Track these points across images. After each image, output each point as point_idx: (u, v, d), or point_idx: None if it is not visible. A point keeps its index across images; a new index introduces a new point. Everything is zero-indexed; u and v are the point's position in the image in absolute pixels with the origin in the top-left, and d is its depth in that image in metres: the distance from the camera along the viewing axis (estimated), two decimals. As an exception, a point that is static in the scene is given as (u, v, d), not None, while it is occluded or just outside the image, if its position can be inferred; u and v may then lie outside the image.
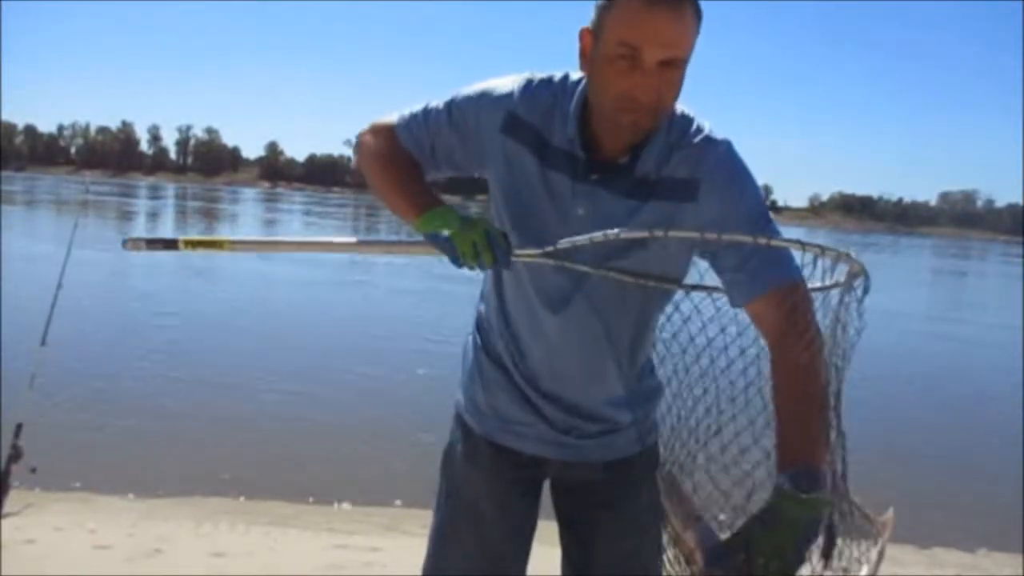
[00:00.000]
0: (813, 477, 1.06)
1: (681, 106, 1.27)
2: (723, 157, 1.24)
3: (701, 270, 1.33)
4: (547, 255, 1.21)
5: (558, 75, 1.32)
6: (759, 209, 1.24)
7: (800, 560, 1.03)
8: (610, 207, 1.25)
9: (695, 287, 1.30)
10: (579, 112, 1.25)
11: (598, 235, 1.11)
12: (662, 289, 1.33)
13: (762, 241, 1.06)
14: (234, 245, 1.44)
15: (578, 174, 1.26)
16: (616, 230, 1.09)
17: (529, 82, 1.31)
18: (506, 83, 1.33)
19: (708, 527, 1.08)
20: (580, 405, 1.41)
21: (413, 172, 1.37)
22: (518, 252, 1.24)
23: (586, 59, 1.22)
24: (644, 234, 1.09)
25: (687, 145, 1.24)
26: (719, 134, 1.26)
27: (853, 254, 1.09)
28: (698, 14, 1.15)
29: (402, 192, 1.34)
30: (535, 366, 1.40)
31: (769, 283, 1.21)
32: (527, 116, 1.30)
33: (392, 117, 1.42)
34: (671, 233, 1.08)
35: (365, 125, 1.46)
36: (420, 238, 1.28)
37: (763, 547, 1.02)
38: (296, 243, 1.49)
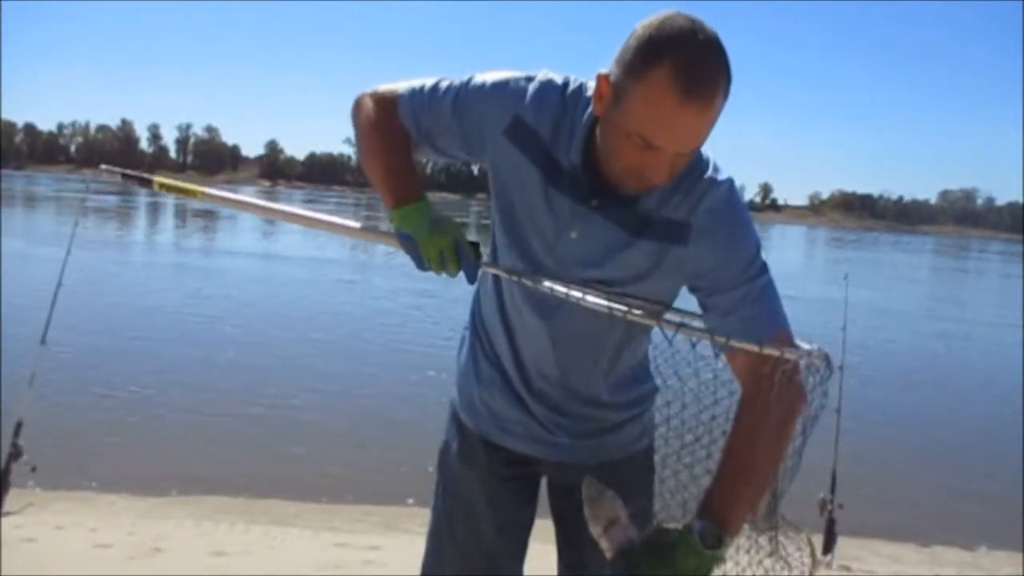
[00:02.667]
0: (720, 539, 1.03)
1: None
2: (720, 201, 1.19)
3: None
4: (517, 273, 1.19)
5: (574, 83, 1.25)
6: (750, 258, 1.19)
7: None
8: (603, 235, 1.22)
9: (669, 321, 1.17)
10: (585, 135, 1.20)
11: (560, 290, 1.09)
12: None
13: (719, 340, 1.02)
14: (207, 196, 1.41)
15: (579, 197, 1.22)
16: (579, 295, 1.08)
17: (543, 86, 1.25)
18: (520, 82, 1.26)
19: (624, 530, 1.06)
20: (567, 405, 1.40)
21: (402, 155, 1.31)
22: (486, 265, 1.22)
23: (600, 105, 1.13)
24: (603, 308, 1.07)
25: (691, 186, 1.19)
26: (722, 173, 1.21)
27: (816, 349, 1.04)
28: (728, 86, 1.06)
29: (386, 175, 1.29)
30: (528, 365, 1.40)
31: (758, 334, 1.12)
32: (535, 124, 1.24)
33: (398, 87, 1.34)
34: (631, 316, 1.05)
35: (368, 88, 1.38)
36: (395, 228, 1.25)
37: None
38: (265, 207, 1.43)
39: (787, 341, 1.12)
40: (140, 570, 3.21)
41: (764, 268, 1.20)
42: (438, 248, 1.19)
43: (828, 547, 3.62)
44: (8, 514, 3.44)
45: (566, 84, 1.26)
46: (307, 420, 5.80)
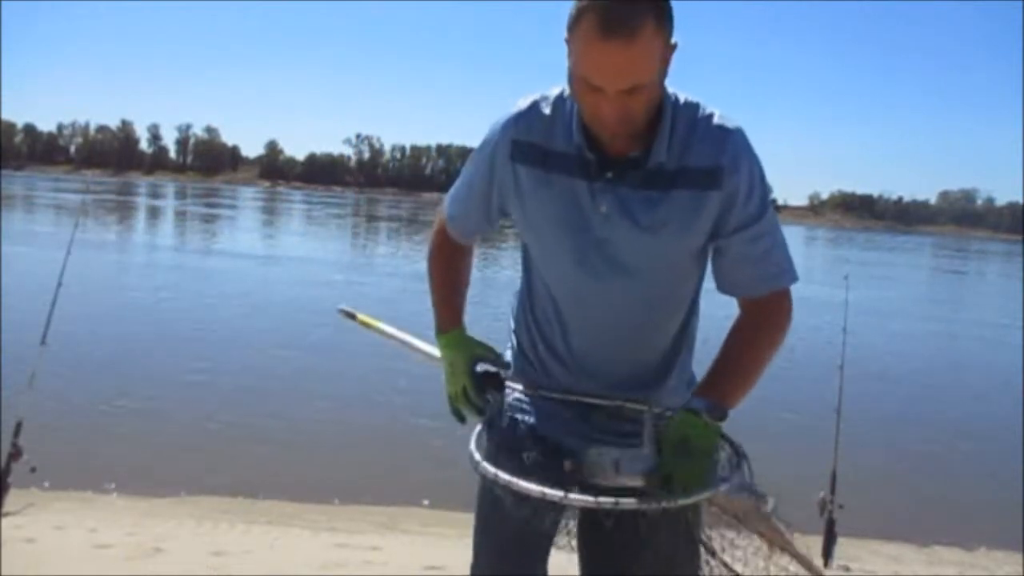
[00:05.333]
0: (724, 413, 1.22)
1: (683, 94, 1.31)
2: (743, 144, 1.30)
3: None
4: (531, 388, 1.42)
5: (555, 90, 1.36)
6: (765, 194, 1.32)
7: (711, 480, 1.16)
8: (631, 200, 1.29)
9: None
10: (580, 118, 1.29)
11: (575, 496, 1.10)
12: (678, 288, 1.39)
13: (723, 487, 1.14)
14: (383, 333, 1.85)
15: (592, 175, 1.30)
16: (631, 500, 1.08)
17: (525, 107, 1.37)
18: (505, 116, 1.38)
19: (638, 457, 1.18)
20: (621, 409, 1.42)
21: (447, 286, 1.54)
22: (498, 395, 1.43)
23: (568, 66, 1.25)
24: (640, 504, 1.08)
25: (705, 134, 1.28)
26: (731, 121, 1.31)
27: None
28: (660, 24, 1.16)
29: (435, 308, 1.54)
30: (582, 362, 1.42)
31: (784, 279, 1.35)
32: (528, 136, 1.34)
33: (445, 205, 1.54)
34: (673, 502, 1.08)
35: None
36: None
37: (683, 478, 1.14)
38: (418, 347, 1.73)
39: (786, 296, 1.36)
40: (140, 570, 3.21)
41: (773, 205, 1.34)
42: (453, 390, 1.47)
43: (828, 547, 3.61)
44: (8, 514, 3.44)
45: (547, 94, 1.37)
46: (307, 420, 5.80)
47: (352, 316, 1.97)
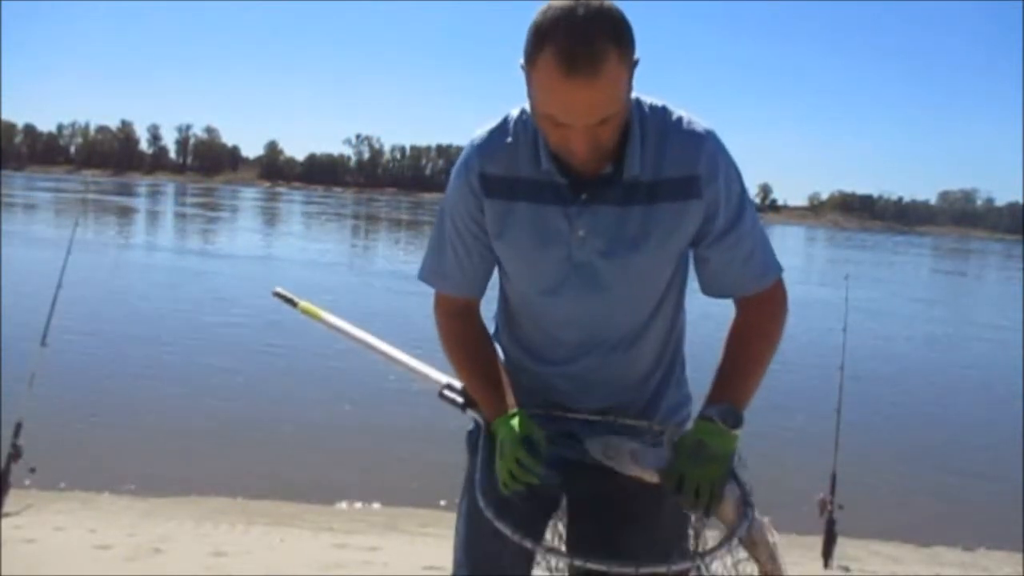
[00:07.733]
0: (738, 417, 1.22)
1: (647, 99, 1.27)
2: (715, 149, 1.26)
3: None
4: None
5: (514, 112, 1.30)
6: (743, 193, 1.31)
7: (723, 486, 1.20)
8: (609, 219, 1.25)
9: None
10: (546, 141, 1.23)
11: None
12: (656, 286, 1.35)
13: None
14: (330, 326, 1.69)
15: (567, 199, 1.26)
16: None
17: (484, 137, 1.31)
18: (466, 153, 1.32)
19: (649, 452, 1.24)
20: (607, 403, 1.40)
21: (476, 366, 1.39)
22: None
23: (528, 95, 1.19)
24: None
25: (678, 142, 1.24)
26: (700, 124, 1.27)
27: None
28: (623, 51, 1.10)
29: (473, 390, 1.41)
30: (566, 371, 1.39)
31: (771, 275, 1.33)
32: (494, 168, 1.29)
33: (431, 281, 1.42)
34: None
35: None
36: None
37: (695, 481, 1.18)
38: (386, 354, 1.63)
39: (779, 288, 1.36)
40: (140, 571, 3.21)
41: (751, 200, 1.32)
42: (507, 468, 1.26)
43: (828, 548, 3.61)
44: (8, 515, 3.44)
45: (506, 118, 1.31)
46: (307, 421, 5.80)
47: (292, 303, 1.86)
